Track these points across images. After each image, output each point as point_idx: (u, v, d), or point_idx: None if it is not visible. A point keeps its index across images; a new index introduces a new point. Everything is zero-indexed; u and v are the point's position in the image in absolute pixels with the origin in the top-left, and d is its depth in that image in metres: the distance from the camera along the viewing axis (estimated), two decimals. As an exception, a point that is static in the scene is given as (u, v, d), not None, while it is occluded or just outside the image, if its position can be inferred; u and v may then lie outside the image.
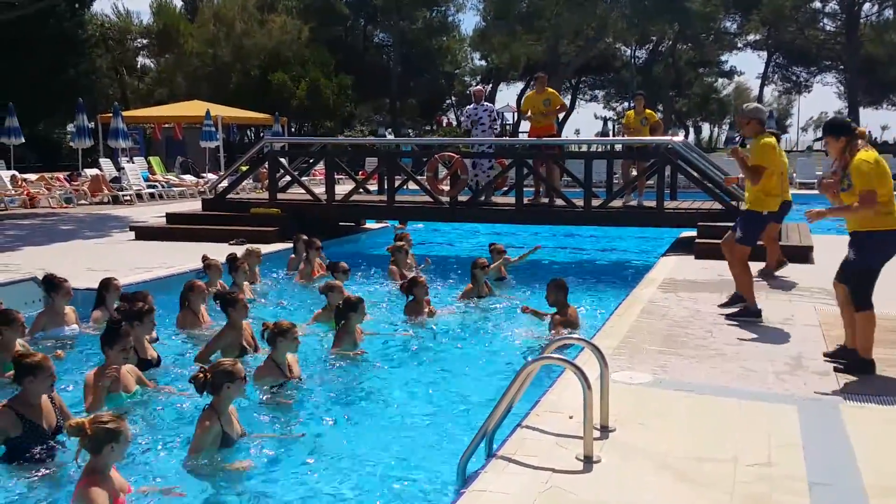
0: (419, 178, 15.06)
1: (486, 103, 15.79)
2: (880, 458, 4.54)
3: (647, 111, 14.67)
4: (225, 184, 16.49)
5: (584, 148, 23.74)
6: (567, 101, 64.02)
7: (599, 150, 25.07)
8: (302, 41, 45.45)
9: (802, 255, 11.51)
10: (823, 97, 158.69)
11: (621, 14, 39.67)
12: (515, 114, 50.53)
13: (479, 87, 17.66)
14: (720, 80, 68.21)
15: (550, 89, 14.61)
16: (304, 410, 6.18)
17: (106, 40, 45.18)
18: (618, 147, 16.36)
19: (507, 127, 47.60)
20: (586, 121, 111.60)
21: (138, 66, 51.78)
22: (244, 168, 17.67)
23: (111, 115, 26.15)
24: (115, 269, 10.41)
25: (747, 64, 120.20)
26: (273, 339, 6.31)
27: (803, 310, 8.45)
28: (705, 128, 79.37)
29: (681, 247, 13.11)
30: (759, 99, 61.71)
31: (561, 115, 41.69)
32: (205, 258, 10.17)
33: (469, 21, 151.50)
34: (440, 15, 55.04)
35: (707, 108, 69.25)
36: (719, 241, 11.80)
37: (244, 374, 5.17)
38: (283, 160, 16.01)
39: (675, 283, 9.99)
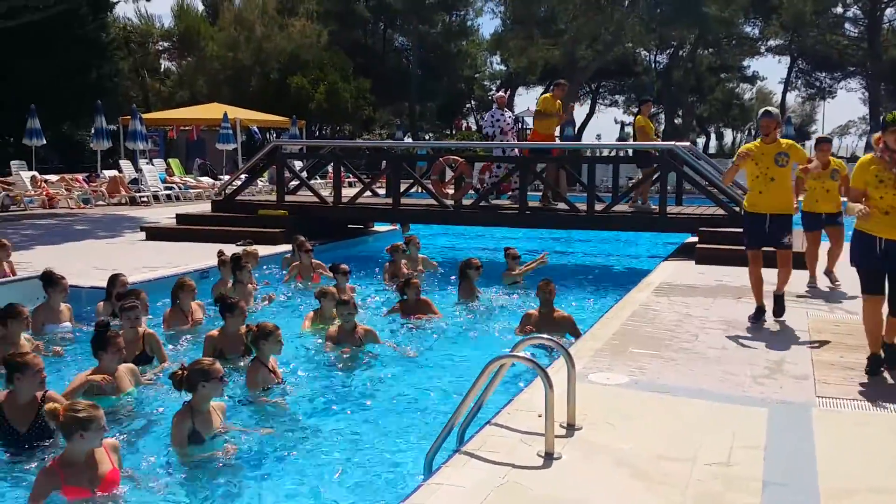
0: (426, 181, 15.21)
1: (506, 110, 16.04)
2: (841, 460, 4.59)
3: (639, 117, 14.54)
4: (237, 184, 16.73)
5: (589, 153, 23.85)
6: (587, 106, 64.16)
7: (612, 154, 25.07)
8: (321, 45, 45.78)
9: (803, 261, 11.47)
10: (849, 103, 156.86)
11: (639, 19, 39.55)
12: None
13: (501, 93, 17.89)
14: (742, 86, 67.82)
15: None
16: (294, 410, 6.30)
17: (128, 43, 45.75)
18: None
19: (528, 131, 47.61)
20: (606, 125, 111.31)
21: (161, 68, 52.40)
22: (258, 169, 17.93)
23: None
24: (121, 268, 10.53)
25: (771, 69, 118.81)
26: (256, 342, 6.40)
27: (795, 315, 8.44)
28: (728, 133, 78.85)
29: (686, 252, 13.14)
30: (782, 105, 61.29)
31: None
32: (220, 254, 10.34)
33: (489, 25, 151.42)
34: (459, 19, 55.19)
35: (729, 113, 68.83)
36: (721, 247, 12.00)
37: (221, 374, 5.26)
38: (298, 163, 16.24)
39: (671, 288, 10.04)
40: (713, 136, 74.39)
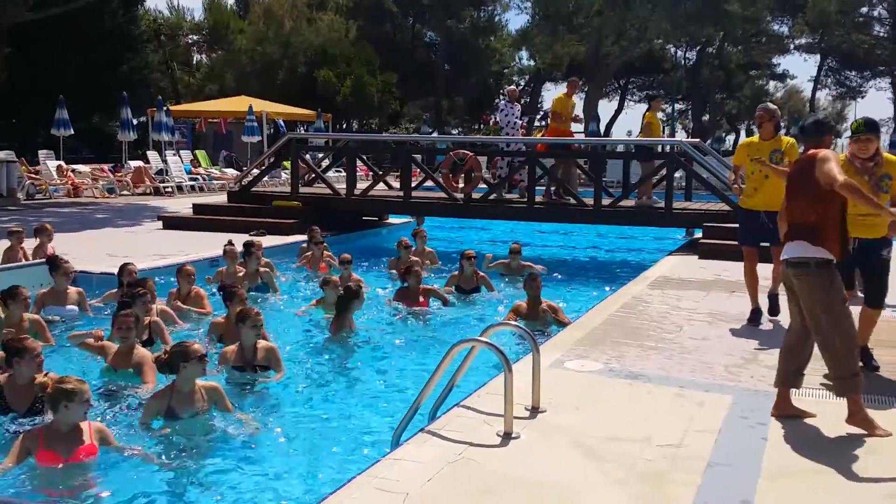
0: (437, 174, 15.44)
1: (516, 104, 16.22)
2: (791, 443, 4.74)
3: (647, 113, 14.61)
4: (255, 172, 17.09)
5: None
6: (615, 102, 64.06)
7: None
8: (349, 39, 46.14)
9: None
10: (880, 102, 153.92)
11: (665, 15, 39.34)
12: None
13: (512, 87, 18.08)
14: (772, 83, 67.19)
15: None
16: (288, 391, 6.56)
17: (159, 36, 46.46)
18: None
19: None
20: (636, 121, 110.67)
21: (193, 61, 53.13)
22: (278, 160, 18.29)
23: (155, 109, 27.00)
24: (134, 256, 10.89)
25: (801, 67, 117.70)
26: (236, 324, 6.68)
27: (782, 307, 8.53)
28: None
29: (693, 247, 13.23)
30: (812, 103, 60.71)
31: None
32: (228, 244, 10.60)
33: (517, 21, 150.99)
34: (486, 14, 55.27)
35: (758, 110, 68.15)
36: (724, 242, 12.08)
37: (200, 354, 5.46)
38: (321, 155, 16.51)
39: (666, 281, 10.18)
40: (743, 133, 73.80)
